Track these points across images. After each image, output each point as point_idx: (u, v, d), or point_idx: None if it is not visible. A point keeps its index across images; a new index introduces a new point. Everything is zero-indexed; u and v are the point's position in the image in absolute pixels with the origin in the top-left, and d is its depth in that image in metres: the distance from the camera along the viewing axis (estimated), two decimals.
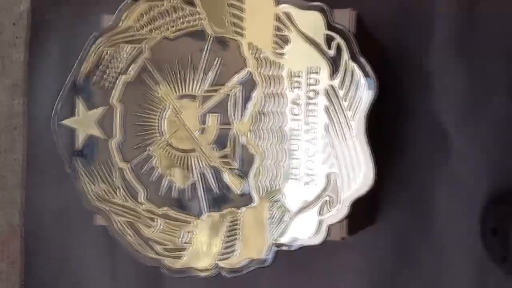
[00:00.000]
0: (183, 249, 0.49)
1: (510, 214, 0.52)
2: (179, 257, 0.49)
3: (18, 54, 0.71)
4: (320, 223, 0.46)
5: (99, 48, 0.51)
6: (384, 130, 0.60)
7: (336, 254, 0.58)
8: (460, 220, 0.57)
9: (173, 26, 0.50)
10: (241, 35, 0.48)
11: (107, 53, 0.51)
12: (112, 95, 0.51)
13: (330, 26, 0.46)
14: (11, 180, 0.70)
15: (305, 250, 0.47)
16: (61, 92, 0.52)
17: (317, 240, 0.46)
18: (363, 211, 0.53)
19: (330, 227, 0.46)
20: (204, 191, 0.49)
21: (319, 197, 0.46)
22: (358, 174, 0.46)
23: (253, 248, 0.48)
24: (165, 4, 0.50)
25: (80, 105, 0.52)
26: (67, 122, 0.52)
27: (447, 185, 0.58)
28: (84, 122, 0.51)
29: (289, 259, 0.50)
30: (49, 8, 0.69)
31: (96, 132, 0.51)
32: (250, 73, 0.48)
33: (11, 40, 0.72)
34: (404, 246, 0.58)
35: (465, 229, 0.57)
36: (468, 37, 0.57)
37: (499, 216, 0.54)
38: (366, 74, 0.45)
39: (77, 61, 0.52)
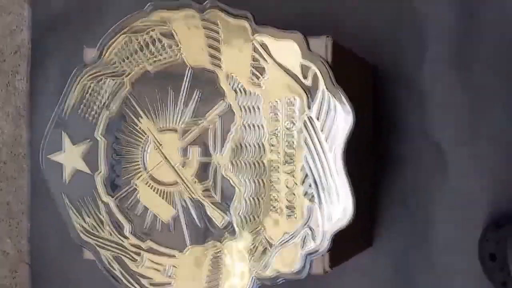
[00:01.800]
0: (168, 284, 0.49)
1: (507, 238, 0.50)
2: None
3: (21, 82, 0.72)
4: (302, 256, 0.45)
5: (82, 82, 0.51)
6: (380, 150, 0.58)
7: (332, 278, 0.57)
8: (459, 242, 0.55)
9: (152, 59, 0.50)
10: (219, 66, 0.48)
11: (90, 87, 0.51)
12: (96, 129, 0.51)
13: (305, 55, 0.45)
14: (17, 207, 0.71)
15: (291, 281, 0.47)
16: (47, 127, 0.53)
17: (300, 274, 0.46)
18: (350, 240, 0.51)
19: (312, 261, 0.45)
20: (187, 225, 0.49)
21: (300, 230, 0.46)
22: (338, 206, 0.44)
23: (236, 281, 0.47)
24: (144, 37, 0.50)
25: (66, 140, 0.52)
26: (54, 157, 0.52)
27: (445, 205, 0.56)
28: (70, 157, 0.52)
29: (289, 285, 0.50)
30: (49, 37, 0.69)
31: (82, 166, 0.52)
32: (229, 104, 0.47)
33: (14, 68, 0.73)
34: (402, 269, 0.57)
35: (465, 251, 0.55)
36: (462, 53, 0.55)
37: (497, 241, 0.52)
38: (342, 103, 0.44)
39: (61, 95, 0.52)
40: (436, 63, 0.56)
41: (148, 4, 0.49)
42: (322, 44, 0.46)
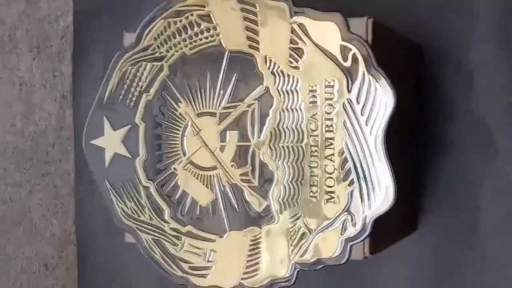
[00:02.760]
0: (208, 268, 0.49)
1: None
2: (204, 276, 0.49)
3: (66, 67, 0.73)
4: (342, 242, 0.45)
5: (122, 67, 0.52)
6: (425, 132, 0.57)
7: (374, 264, 0.56)
8: (509, 230, 0.53)
9: (190, 43, 0.49)
10: (257, 49, 0.47)
11: (130, 72, 0.51)
12: (135, 113, 0.51)
13: (345, 37, 0.44)
14: (64, 189, 0.72)
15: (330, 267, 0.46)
16: (90, 113, 0.53)
17: (339, 259, 0.45)
18: (391, 227, 0.50)
19: (352, 246, 0.44)
20: (226, 209, 0.49)
21: (339, 215, 0.45)
22: (379, 192, 0.43)
23: (275, 267, 0.47)
24: (182, 21, 0.49)
25: (107, 125, 0.52)
26: (95, 142, 0.53)
27: (494, 192, 0.54)
28: (110, 142, 0.52)
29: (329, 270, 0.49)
30: (91, 21, 0.70)
31: (122, 151, 0.52)
32: (267, 88, 0.47)
33: (61, 53, 0.74)
34: (447, 257, 0.55)
35: None
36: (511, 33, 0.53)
37: None
38: (384, 87, 0.43)
39: (103, 81, 0.52)
40: (485, 43, 0.54)
41: None
42: (362, 25, 0.45)
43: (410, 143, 0.55)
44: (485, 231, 0.54)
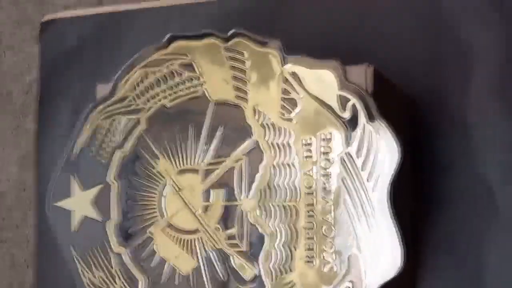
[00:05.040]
0: None
1: None
2: None
3: (31, 124, 0.68)
4: None
5: (94, 121, 0.47)
6: (421, 189, 0.53)
7: None
8: None
9: (170, 94, 0.45)
10: (245, 100, 0.43)
11: (102, 127, 0.47)
12: (108, 172, 0.46)
13: (343, 86, 0.41)
14: (21, 258, 0.66)
15: None
16: (55, 171, 0.48)
17: None
18: None
19: None
20: (209, 278, 0.44)
21: (339, 283, 0.40)
22: (384, 256, 0.39)
23: None
24: (162, 70, 0.46)
25: (75, 184, 0.47)
26: (61, 203, 0.48)
27: (498, 252, 0.50)
28: (79, 203, 0.47)
29: None
30: (60, 75, 0.66)
31: (92, 213, 0.47)
32: (256, 142, 0.43)
33: (24, 110, 0.69)
34: None
35: None
36: (509, 84, 0.51)
37: None
38: (387, 138, 0.39)
39: (71, 136, 0.48)
40: (481, 95, 0.52)
41: (167, 35, 0.45)
42: (361, 73, 0.41)
43: (406, 199, 0.52)
44: None
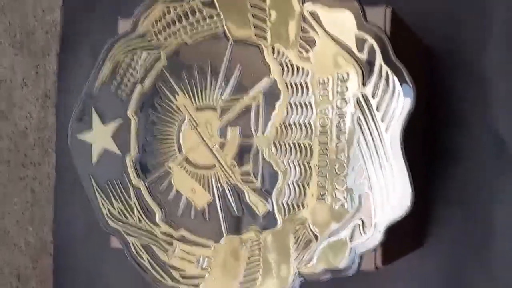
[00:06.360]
0: (201, 276, 0.45)
1: None
2: (197, 285, 0.45)
3: (51, 64, 0.69)
4: (352, 250, 0.41)
5: (115, 56, 0.48)
6: (433, 141, 0.53)
7: (375, 283, 0.52)
8: None
9: (191, 30, 0.46)
10: (264, 38, 0.43)
11: (123, 61, 0.47)
12: (128, 106, 0.47)
13: (361, 26, 0.41)
14: (42, 194, 0.67)
15: (336, 279, 0.42)
16: (77, 104, 0.49)
17: (349, 270, 0.41)
18: (402, 236, 0.47)
19: (362, 256, 0.41)
20: (223, 212, 0.45)
21: (349, 220, 0.41)
22: (393, 196, 0.40)
23: (276, 276, 0.43)
24: (183, 6, 0.46)
25: (96, 118, 0.48)
26: (82, 136, 0.49)
27: (505, 202, 0.51)
28: (99, 136, 0.48)
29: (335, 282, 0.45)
30: (81, 15, 0.66)
31: (112, 146, 0.48)
32: (274, 80, 0.43)
33: (45, 50, 0.70)
34: (455, 274, 0.52)
35: None
36: None
37: None
38: (402, 80, 0.40)
39: (93, 71, 0.48)
40: (500, 49, 0.51)
41: None
42: (380, 15, 0.41)
43: (420, 149, 0.52)
44: (498, 250, 0.51)
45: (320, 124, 0.42)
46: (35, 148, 0.69)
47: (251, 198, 0.44)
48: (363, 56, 0.41)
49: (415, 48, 0.50)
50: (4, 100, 0.69)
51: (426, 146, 0.53)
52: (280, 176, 0.43)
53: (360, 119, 0.41)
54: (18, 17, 0.68)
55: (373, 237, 0.40)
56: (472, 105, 0.52)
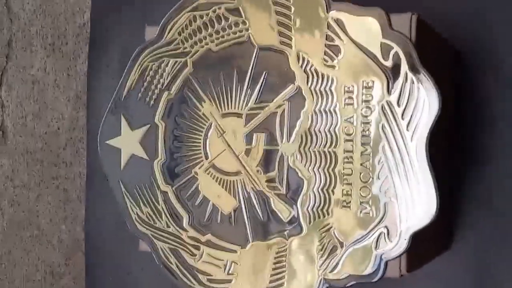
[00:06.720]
0: (228, 281, 0.45)
1: None
2: None
3: (82, 66, 0.70)
4: (376, 257, 0.41)
5: (143, 63, 0.48)
6: (461, 144, 0.53)
7: (404, 285, 0.52)
8: None
9: (217, 38, 0.46)
10: (289, 45, 0.44)
11: (151, 68, 0.48)
12: (155, 112, 0.48)
13: (386, 34, 0.40)
14: (74, 193, 0.69)
15: (361, 284, 0.42)
16: (106, 111, 0.50)
17: (373, 277, 0.41)
18: (428, 242, 0.46)
19: (387, 263, 0.41)
20: (249, 218, 0.45)
21: (374, 228, 0.41)
22: (419, 204, 0.40)
23: (301, 282, 0.43)
24: (208, 14, 0.46)
25: (124, 124, 0.49)
26: (111, 142, 0.50)
27: None
28: (127, 142, 0.49)
29: None
30: (110, 18, 0.67)
31: (140, 152, 0.49)
32: (299, 87, 0.43)
33: (76, 51, 0.71)
34: (483, 277, 0.51)
35: None
36: None
37: None
38: (428, 88, 0.39)
39: (121, 77, 0.49)
40: None
41: None
42: (405, 22, 0.41)
43: (448, 153, 0.52)
44: None
45: (345, 131, 0.42)
46: (66, 148, 0.70)
47: (276, 204, 0.44)
48: (389, 63, 0.40)
49: (442, 52, 0.49)
50: (37, 101, 0.71)
51: (453, 149, 0.53)
52: (305, 183, 0.43)
53: (385, 127, 0.41)
54: (50, 20, 0.70)
55: (398, 245, 0.40)
56: (502, 108, 0.52)
